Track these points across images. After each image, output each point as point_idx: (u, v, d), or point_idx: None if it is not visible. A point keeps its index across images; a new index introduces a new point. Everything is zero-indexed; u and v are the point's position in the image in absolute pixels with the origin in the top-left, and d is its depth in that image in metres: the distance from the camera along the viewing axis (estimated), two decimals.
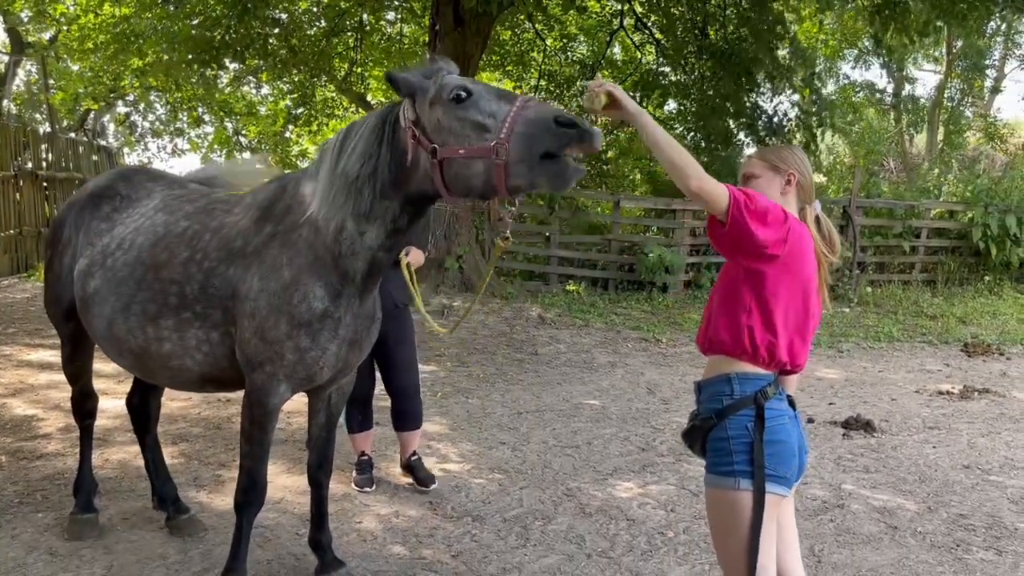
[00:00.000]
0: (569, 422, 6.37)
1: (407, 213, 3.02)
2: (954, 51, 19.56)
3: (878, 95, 21.99)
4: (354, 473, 4.94)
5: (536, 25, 16.04)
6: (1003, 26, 23.49)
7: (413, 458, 4.96)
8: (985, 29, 19.12)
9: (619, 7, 15.11)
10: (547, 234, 12.56)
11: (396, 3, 15.40)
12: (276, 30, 11.16)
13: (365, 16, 15.45)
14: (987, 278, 12.75)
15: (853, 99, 20.30)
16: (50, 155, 15.68)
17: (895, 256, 12.94)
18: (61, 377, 6.98)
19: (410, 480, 4.93)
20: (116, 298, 3.40)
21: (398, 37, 17.09)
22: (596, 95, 2.49)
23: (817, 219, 2.80)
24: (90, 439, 4.27)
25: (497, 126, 2.60)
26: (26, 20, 17.92)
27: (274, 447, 5.52)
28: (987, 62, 20.14)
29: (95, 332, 3.58)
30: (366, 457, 4.95)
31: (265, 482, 3.41)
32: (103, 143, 21.42)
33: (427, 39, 12.34)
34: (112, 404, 6.32)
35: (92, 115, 22.05)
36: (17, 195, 13.83)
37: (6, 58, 20.40)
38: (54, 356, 7.81)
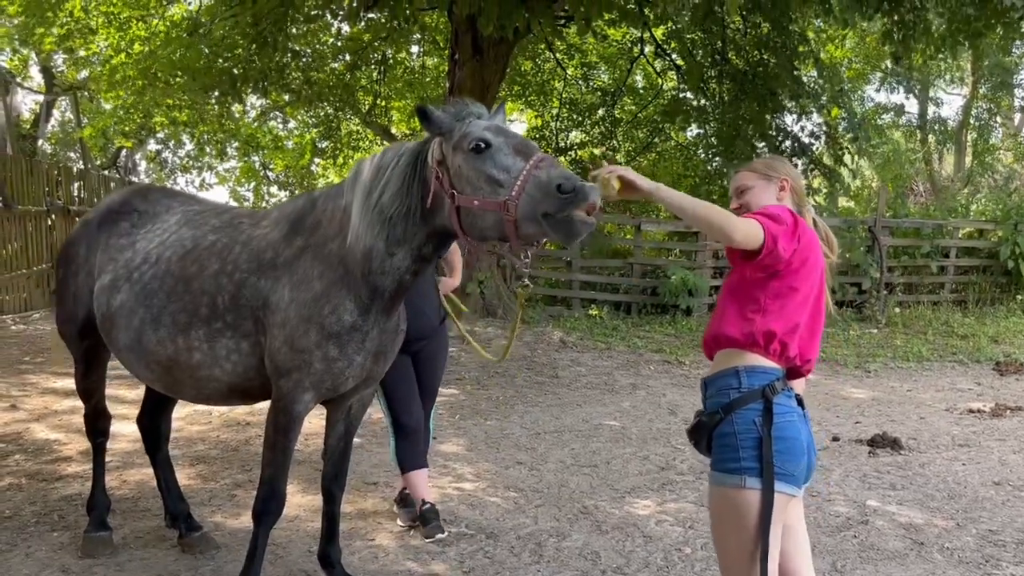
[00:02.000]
0: (588, 442, 6.29)
1: (432, 244, 3.10)
2: (979, 71, 19.40)
3: (904, 117, 21.82)
4: (398, 507, 4.64)
5: (556, 54, 16.17)
6: None
7: (425, 507, 4.47)
8: (1012, 47, 18.99)
9: (639, 35, 15.20)
10: (568, 259, 12.54)
11: (418, 36, 15.64)
12: (295, 63, 11.34)
13: (388, 50, 15.70)
14: (1019, 297, 12.48)
15: (878, 122, 20.15)
16: (83, 191, 16.05)
17: (924, 276, 12.73)
18: (78, 404, 7.11)
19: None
20: (145, 310, 3.46)
21: (420, 69, 17.35)
22: (608, 182, 2.53)
23: (814, 221, 2.79)
24: (103, 457, 4.28)
25: (511, 182, 2.68)
26: (61, 62, 18.49)
27: (291, 467, 5.54)
28: (1014, 81, 19.93)
29: (120, 345, 3.60)
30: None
31: (284, 492, 3.42)
32: (134, 179, 21.89)
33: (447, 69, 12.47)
34: (132, 428, 6.36)
35: (124, 153, 22.56)
36: (50, 230, 14.10)
37: (41, 98, 20.98)
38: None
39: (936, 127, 20.74)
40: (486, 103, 11.05)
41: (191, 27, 10.56)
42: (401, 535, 4.44)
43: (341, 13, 9.97)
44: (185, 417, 6.66)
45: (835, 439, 6.44)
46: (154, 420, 4.30)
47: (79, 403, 7.09)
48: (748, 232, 2.41)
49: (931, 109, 21.87)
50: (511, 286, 12.06)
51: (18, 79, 20.64)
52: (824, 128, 14.25)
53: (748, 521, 2.41)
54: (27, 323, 11.92)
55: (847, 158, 14.06)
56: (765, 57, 13.52)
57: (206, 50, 10.62)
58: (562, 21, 11.05)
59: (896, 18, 10.09)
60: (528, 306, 12.01)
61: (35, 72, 21.56)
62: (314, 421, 6.49)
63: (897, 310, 12.19)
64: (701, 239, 12.43)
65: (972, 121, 20.53)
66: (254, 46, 9.76)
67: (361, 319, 3.17)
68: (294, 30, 10.21)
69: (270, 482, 3.36)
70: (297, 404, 3.23)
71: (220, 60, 10.21)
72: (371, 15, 10.97)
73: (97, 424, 4.24)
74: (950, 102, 22.37)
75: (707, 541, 4.39)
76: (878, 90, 22.06)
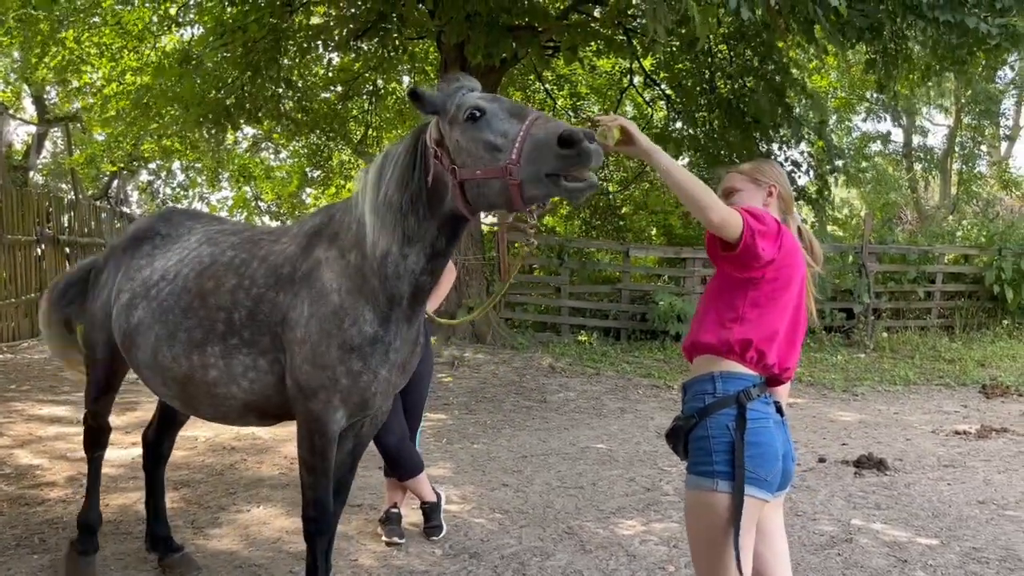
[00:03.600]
0: (574, 464, 6.29)
1: (444, 235, 3.02)
2: (962, 100, 19.69)
3: (891, 145, 22.10)
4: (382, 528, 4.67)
5: (546, 84, 16.36)
6: (1016, 76, 23.69)
7: (393, 510, 4.69)
8: (995, 76, 19.31)
9: (628, 65, 15.40)
10: (557, 286, 12.58)
11: (409, 66, 15.81)
12: (289, 92, 11.46)
13: (379, 80, 15.86)
14: (1005, 322, 12.56)
15: (865, 151, 20.38)
16: (73, 222, 16.07)
17: (911, 302, 12.82)
18: (70, 429, 7.09)
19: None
20: (161, 326, 3.42)
21: None
22: (608, 130, 2.53)
23: (799, 229, 2.82)
24: (99, 471, 4.23)
25: (508, 146, 2.64)
26: (54, 94, 18.60)
27: (275, 490, 5.53)
28: (997, 109, 20.22)
29: (138, 362, 3.57)
30: (396, 510, 4.69)
31: (331, 507, 3.35)
32: (126, 210, 21.92)
33: None
34: (118, 454, 6.36)
35: (116, 183, 22.62)
36: (39, 260, 14.09)
37: (33, 129, 21.07)
38: (65, 411, 7.89)
39: (922, 155, 21.00)
40: None
41: (182, 57, 10.66)
42: (384, 555, 4.42)
43: (332, 43, 10.10)
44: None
45: (821, 460, 6.44)
46: (159, 437, 4.28)
47: (64, 429, 7.14)
48: (727, 219, 2.41)
49: (917, 138, 22.18)
50: (500, 313, 12.09)
51: (11, 110, 20.75)
52: (808, 157, 14.41)
53: (719, 523, 2.42)
54: (15, 352, 11.87)
55: (827, 188, 14.20)
56: (750, 86, 13.72)
57: (198, 80, 10.73)
58: (549, 51, 11.21)
59: (878, 47, 10.27)
60: (518, 332, 12.03)
61: (28, 103, 21.68)
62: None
63: (885, 335, 12.25)
64: (689, 266, 12.49)
65: (957, 149, 20.78)
66: (247, 75, 9.86)
67: (382, 330, 3.10)
68: (286, 60, 10.31)
69: (316, 503, 3.28)
70: (331, 424, 3.16)
71: (213, 91, 10.29)
72: (362, 45, 11.10)
73: (98, 439, 4.19)
74: (935, 131, 22.70)
75: (687, 559, 4.37)
76: (865, 120, 22.31)
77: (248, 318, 3.22)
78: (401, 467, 4.55)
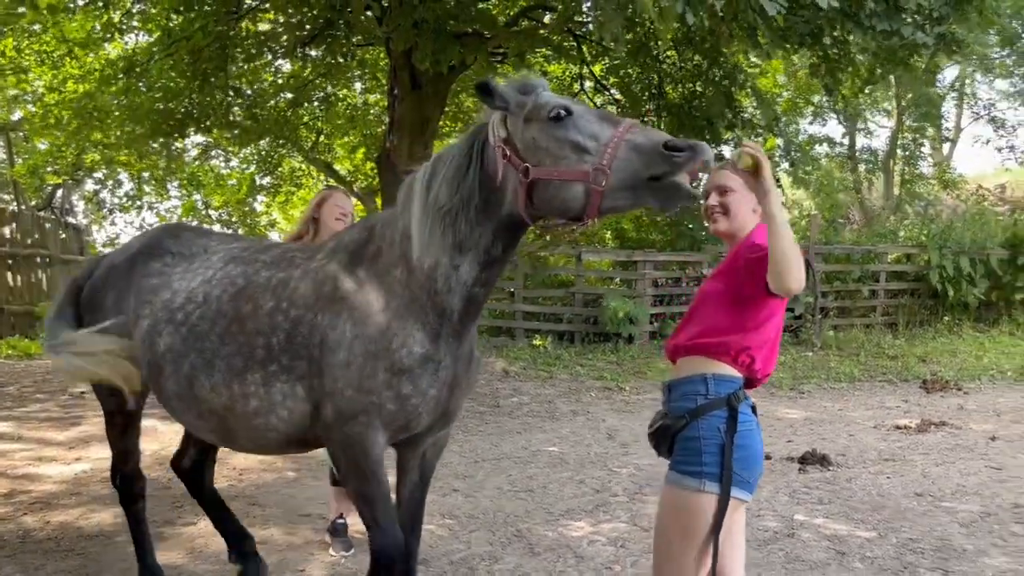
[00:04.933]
0: (526, 468, 6.33)
1: (500, 241, 2.85)
2: (903, 103, 20.25)
3: (836, 148, 22.61)
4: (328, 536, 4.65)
5: None
6: (957, 82, 24.45)
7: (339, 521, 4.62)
8: (936, 80, 19.90)
9: (578, 71, 15.54)
10: (511, 289, 12.63)
11: (359, 72, 15.75)
12: (238, 100, 11.34)
13: (329, 87, 15.77)
14: (946, 318, 12.93)
15: (810, 153, 20.84)
16: (16, 233, 15.69)
17: (856, 300, 13.12)
18: (10, 446, 6.91)
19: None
20: (197, 354, 3.16)
21: (363, 105, 17.44)
22: (744, 154, 2.48)
23: None
24: (145, 524, 3.93)
25: (599, 149, 2.52)
26: None
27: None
28: (937, 112, 20.84)
29: (169, 393, 3.29)
30: (342, 521, 4.63)
31: (401, 536, 3.06)
32: (71, 220, 21.44)
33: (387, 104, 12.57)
34: (60, 470, 6.24)
35: (60, 193, 22.13)
36: None
37: None
38: (7, 427, 7.69)
39: (867, 157, 21.54)
40: (426, 137, 11.15)
41: (127, 66, 10.48)
42: (332, 565, 4.41)
43: (280, 50, 10.02)
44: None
45: (767, 457, 6.55)
46: (197, 465, 4.06)
47: (4, 446, 6.95)
48: (802, 281, 2.38)
49: (862, 140, 22.76)
50: None
51: None
52: None
53: (700, 522, 2.45)
54: None
55: (782, 187, 14.52)
56: (699, 89, 13.95)
57: (144, 90, 10.56)
58: (498, 58, 11.26)
59: (820, 52, 10.52)
60: None
61: None
62: (250, 459, 6.41)
63: (832, 333, 12.52)
64: (641, 268, 12.63)
65: (899, 151, 21.36)
66: (196, 84, 9.73)
67: (433, 348, 2.89)
68: (234, 68, 10.20)
69: (383, 532, 2.99)
70: (375, 447, 2.92)
71: (159, 103, 10.12)
72: (310, 52, 11.04)
73: (134, 489, 3.87)
74: (880, 133, 23.33)
75: (638, 559, 4.45)
76: (812, 123, 22.80)
77: (286, 341, 3.01)
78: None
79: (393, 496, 3.17)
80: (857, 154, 22.11)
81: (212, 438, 3.40)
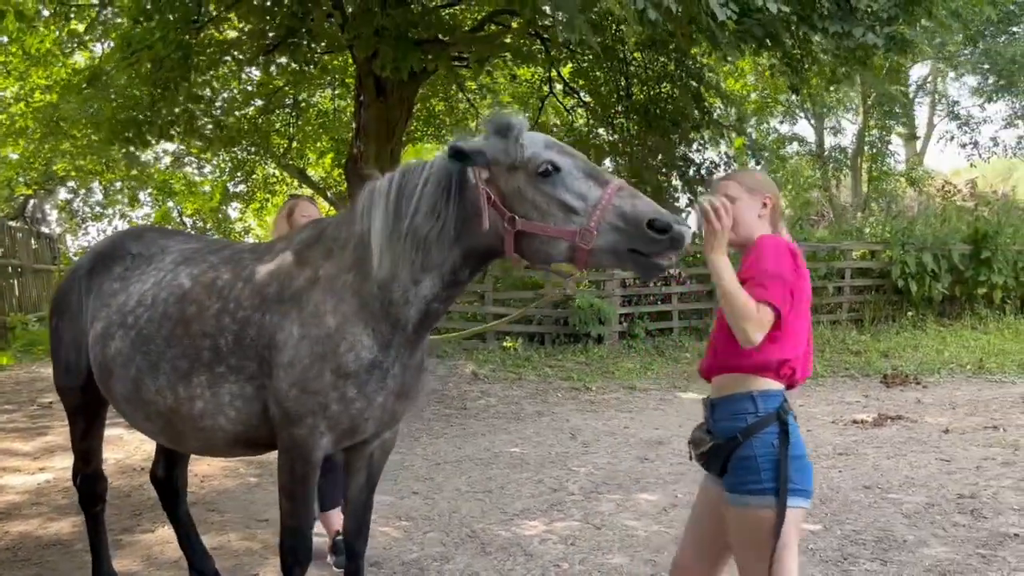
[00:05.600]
0: (486, 469, 6.41)
1: (469, 267, 2.92)
2: (869, 102, 20.55)
3: (807, 146, 22.91)
4: (331, 556, 4.63)
5: (468, 95, 16.52)
6: (930, 79, 24.83)
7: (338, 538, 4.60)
8: (903, 78, 20.22)
9: (547, 74, 15.67)
10: (481, 292, 12.71)
11: (327, 79, 15.79)
12: (202, 107, 11.37)
13: (299, 94, 15.82)
14: (910, 313, 13.14)
15: (780, 152, 21.11)
16: None
17: (823, 298, 13.31)
18: None
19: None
20: (143, 357, 3.20)
21: (334, 112, 17.49)
22: (708, 212, 2.54)
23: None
24: (103, 527, 3.99)
25: (587, 210, 2.58)
26: None
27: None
28: (903, 111, 21.18)
29: (118, 396, 3.35)
30: (340, 537, 4.51)
31: (311, 538, 3.23)
32: (44, 230, 21.33)
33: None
34: (23, 480, 6.27)
35: (32, 203, 22.02)
36: None
37: None
38: None
39: (836, 154, 21.84)
40: (392, 143, 11.20)
41: (92, 75, 10.49)
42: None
43: (243, 58, 10.07)
44: None
45: None
46: (169, 473, 4.04)
47: None
48: (763, 329, 2.48)
49: (830, 138, 23.07)
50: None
51: None
52: (727, 157, 14.89)
53: (774, 539, 2.49)
54: None
55: None
56: (664, 90, 14.12)
57: (112, 99, 10.58)
58: (463, 63, 11.35)
59: (778, 53, 10.69)
60: (443, 340, 12.12)
61: None
62: (215, 462, 6.47)
63: None
64: (609, 270, 12.74)
65: (866, 149, 21.67)
66: (158, 92, 9.77)
67: (381, 355, 2.93)
68: (198, 76, 10.24)
69: (294, 531, 3.14)
70: (316, 451, 2.98)
71: (122, 111, 10.15)
72: (280, 60, 11.09)
73: (96, 489, 3.93)
74: (849, 131, 23.65)
75: (586, 556, 4.56)
76: (782, 122, 23.08)
77: (235, 343, 3.04)
78: (323, 497, 4.50)
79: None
80: (826, 152, 22.41)
81: (162, 440, 3.47)
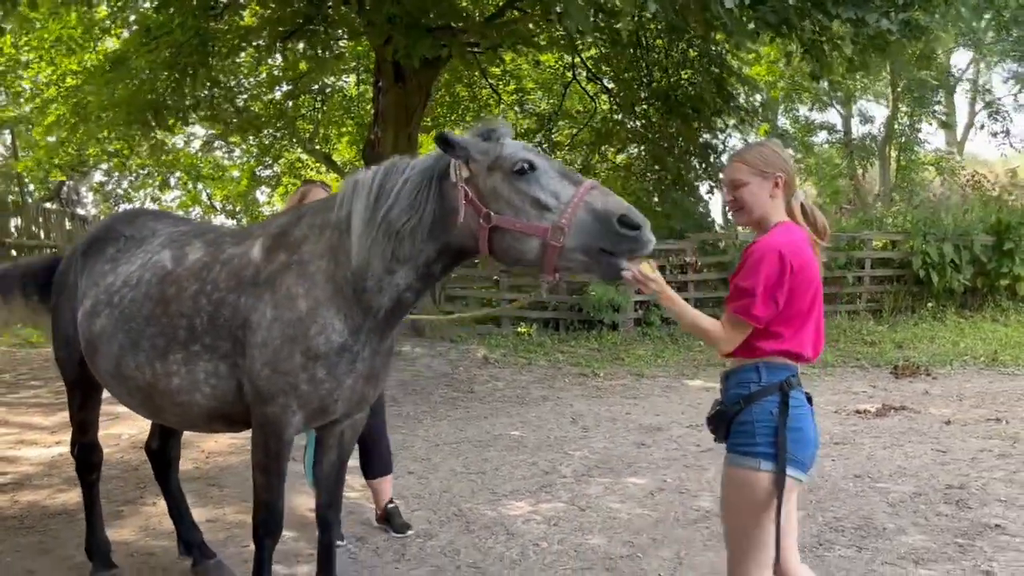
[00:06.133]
0: (483, 451, 6.54)
1: (442, 262, 3.05)
2: (899, 88, 20.20)
3: (836, 134, 22.59)
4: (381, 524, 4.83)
5: (490, 80, 16.59)
6: (970, 68, 24.32)
7: (390, 506, 4.81)
8: (938, 63, 19.86)
9: (571, 60, 15.67)
10: (496, 278, 12.82)
11: (354, 64, 15.98)
12: (222, 92, 11.60)
13: (323, 79, 16.01)
14: (930, 305, 13.00)
15: (807, 140, 20.88)
16: (20, 224, 16.11)
17: (842, 287, 13.21)
18: None
19: (386, 529, 4.80)
20: (124, 335, 3.37)
21: (358, 97, 17.67)
22: (635, 285, 2.73)
23: (802, 207, 2.91)
24: (97, 495, 4.14)
25: (560, 208, 2.68)
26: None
27: (185, 483, 5.67)
28: (931, 97, 20.78)
29: (102, 372, 3.54)
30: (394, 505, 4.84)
31: (282, 511, 3.37)
32: (79, 211, 21.86)
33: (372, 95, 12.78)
34: (38, 452, 6.53)
35: (67, 185, 22.56)
36: None
37: None
38: None
39: (867, 142, 21.51)
40: (410, 128, 11.35)
41: (116, 60, 10.76)
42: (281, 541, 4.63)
43: (261, 44, 10.25)
44: None
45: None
46: (162, 444, 4.23)
47: None
48: (736, 337, 2.70)
49: (859, 125, 22.71)
50: (439, 305, 12.32)
51: None
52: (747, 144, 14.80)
53: (759, 499, 2.65)
54: None
55: None
56: (686, 77, 14.08)
57: (135, 83, 10.85)
58: (477, 50, 11.42)
59: (793, 40, 10.60)
60: (457, 324, 12.28)
61: None
62: (221, 440, 6.67)
63: None
64: None
65: (896, 136, 21.31)
66: (175, 77, 9.99)
67: (351, 339, 3.05)
68: (217, 62, 10.45)
69: (269, 504, 3.29)
70: (288, 428, 3.13)
71: (141, 95, 10.42)
72: (291, 46, 11.26)
73: (91, 459, 4.10)
74: (879, 119, 23.23)
75: (566, 536, 4.67)
76: (811, 109, 22.77)
77: (209, 323, 3.18)
78: (382, 464, 4.75)
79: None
80: (854, 140, 22.09)
81: (144, 413, 3.65)
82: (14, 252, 15.27)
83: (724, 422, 2.78)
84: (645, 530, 4.77)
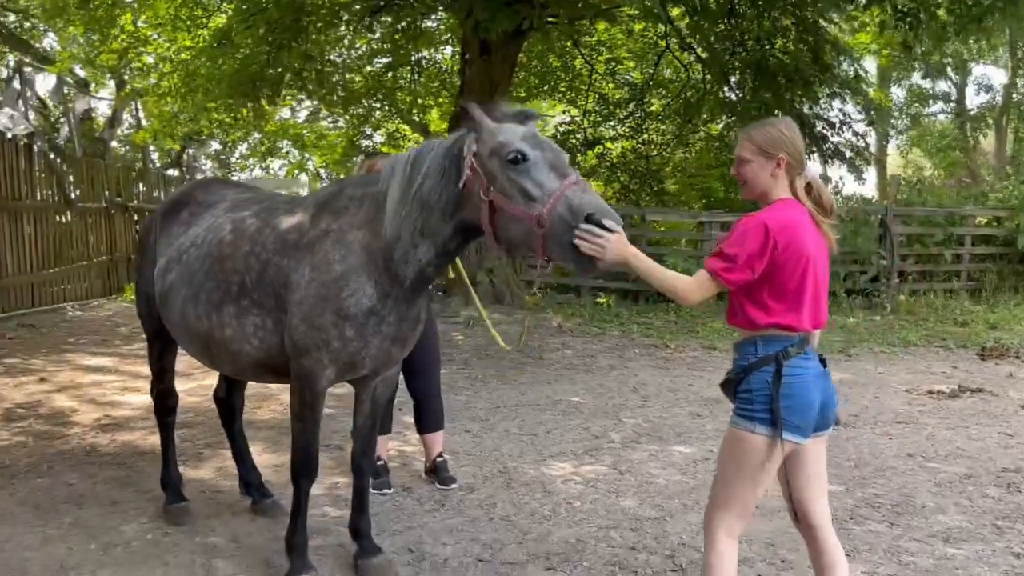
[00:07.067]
0: (540, 415, 6.79)
1: (456, 240, 3.33)
2: (1019, 55, 18.91)
3: (951, 103, 21.40)
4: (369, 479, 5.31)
5: (582, 50, 16.58)
6: None
7: (439, 459, 5.13)
8: None
9: (663, 30, 15.47)
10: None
11: (447, 37, 16.29)
12: (317, 66, 12.14)
13: (420, 51, 16.40)
14: None
15: (916, 110, 19.88)
16: (143, 189, 17.31)
17: (939, 265, 12.70)
18: (107, 377, 7.99)
19: (432, 480, 5.10)
20: (187, 288, 3.79)
21: (451, 70, 18.01)
22: (583, 248, 2.81)
23: (808, 185, 3.03)
24: (171, 434, 4.61)
25: (543, 199, 2.89)
26: (129, 70, 19.92)
27: (261, 431, 6.23)
28: None
29: (170, 321, 3.97)
30: (382, 462, 5.06)
31: (317, 456, 3.70)
32: (199, 176, 23.29)
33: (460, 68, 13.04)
34: (139, 399, 7.19)
35: (188, 152, 24.00)
36: (110, 225, 15.23)
37: (113, 102, 22.57)
38: (109, 362, 8.83)
39: (982, 113, 20.29)
40: (494, 101, 11.60)
41: (220, 36, 11.44)
42: (330, 486, 5.05)
43: (349, 19, 10.66)
44: (186, 390, 7.44)
45: None
46: (229, 395, 4.71)
47: (101, 378, 8.04)
48: (705, 292, 2.88)
49: (974, 95, 21.39)
50: (520, 275, 12.59)
51: (92, 85, 22.25)
52: (842, 115, 14.31)
53: (752, 458, 2.89)
54: (85, 310, 13.00)
55: (868, 147, 14.12)
56: (778, 47, 13.69)
57: (237, 58, 11.51)
58: (555, 21, 11.48)
59: (891, 7, 10.21)
60: (538, 293, 12.54)
61: (109, 80, 23.15)
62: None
63: (910, 298, 12.21)
64: (708, 229, 12.69)
65: (1014, 106, 19.99)
66: (272, 52, 10.55)
67: (380, 304, 3.36)
68: (310, 38, 10.97)
69: (304, 449, 3.62)
70: (321, 380, 3.47)
71: (243, 69, 11.08)
72: (378, 20, 11.64)
73: (167, 403, 4.58)
74: (998, 89, 21.72)
75: (600, 497, 4.88)
76: (924, 78, 21.61)
77: (257, 281, 3.56)
78: (434, 420, 5.16)
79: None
80: (969, 110, 20.88)
81: (203, 361, 4.07)
82: (135, 216, 16.41)
83: (731, 388, 3.00)
84: (678, 496, 4.92)
